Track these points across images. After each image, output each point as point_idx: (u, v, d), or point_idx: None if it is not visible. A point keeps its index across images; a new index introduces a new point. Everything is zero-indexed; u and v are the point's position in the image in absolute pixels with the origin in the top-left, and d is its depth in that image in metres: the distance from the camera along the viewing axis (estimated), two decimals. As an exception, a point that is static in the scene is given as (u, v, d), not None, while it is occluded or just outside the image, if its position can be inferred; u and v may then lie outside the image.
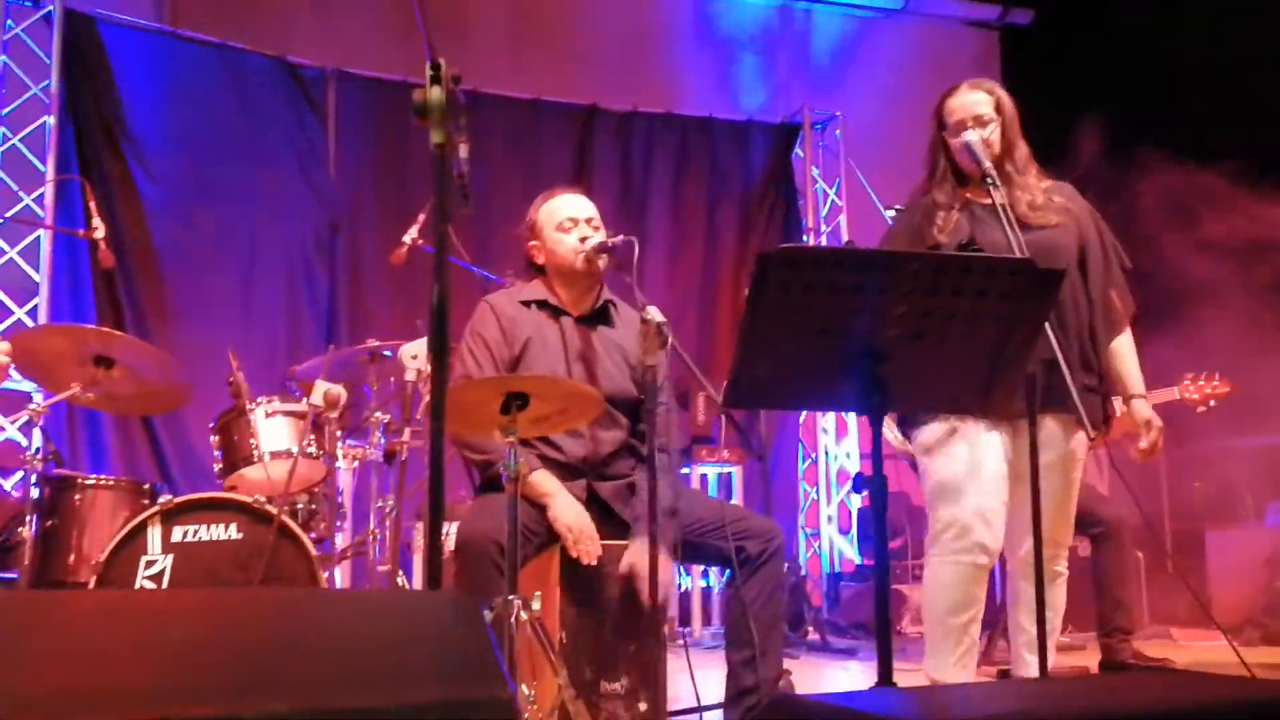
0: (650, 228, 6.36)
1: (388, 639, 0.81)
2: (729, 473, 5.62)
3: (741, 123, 6.68)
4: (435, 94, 1.62)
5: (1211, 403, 3.83)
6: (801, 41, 7.23)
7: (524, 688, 2.15)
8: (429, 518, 1.52)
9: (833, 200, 6.81)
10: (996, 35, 7.79)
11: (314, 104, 5.72)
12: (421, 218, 3.79)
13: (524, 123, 6.21)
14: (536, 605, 2.21)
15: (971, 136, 2.60)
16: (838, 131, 6.78)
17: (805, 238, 6.60)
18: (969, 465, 2.55)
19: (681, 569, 5.43)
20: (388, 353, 3.52)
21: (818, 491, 6.59)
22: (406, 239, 3.75)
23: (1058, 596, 2.69)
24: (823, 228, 6.80)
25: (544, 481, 2.62)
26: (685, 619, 5.44)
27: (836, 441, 6.61)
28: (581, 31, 6.75)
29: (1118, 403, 2.75)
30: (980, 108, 2.62)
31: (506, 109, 6.15)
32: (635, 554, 2.55)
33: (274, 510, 3.05)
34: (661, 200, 6.44)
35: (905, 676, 2.16)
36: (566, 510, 2.58)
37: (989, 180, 2.51)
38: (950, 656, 2.58)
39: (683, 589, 5.50)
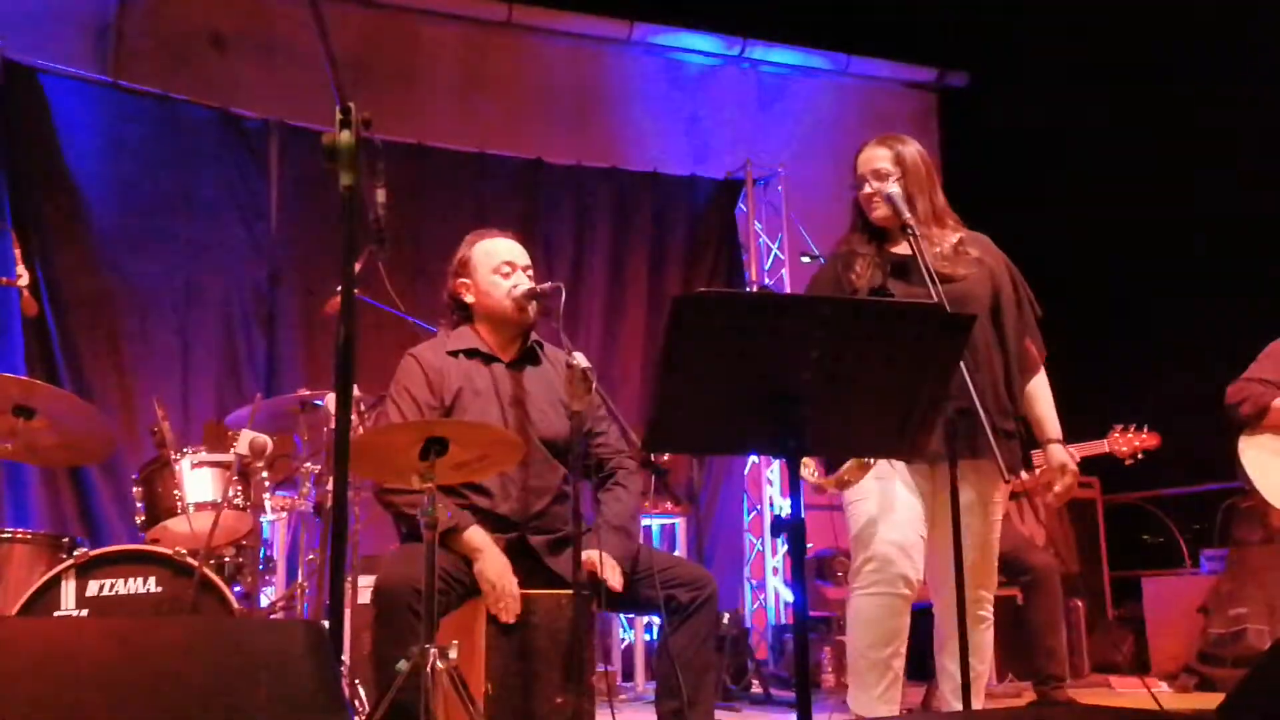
0: (594, 280, 6.39)
1: (230, 669, 0.80)
2: (672, 524, 5.60)
3: (685, 178, 6.77)
4: (345, 137, 1.63)
5: (1140, 455, 3.91)
6: (745, 99, 7.37)
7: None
8: (330, 560, 1.50)
9: (775, 254, 6.91)
10: (934, 96, 8.01)
11: (256, 155, 5.71)
12: (357, 267, 3.76)
13: (470, 175, 6.25)
14: (454, 654, 2.17)
15: (892, 189, 2.67)
16: (780, 187, 6.90)
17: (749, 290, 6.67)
18: (886, 500, 2.58)
19: (624, 621, 5.37)
20: (318, 402, 3.48)
21: (763, 543, 6.58)
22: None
23: (983, 641, 2.71)
24: (766, 280, 6.87)
25: (474, 537, 2.59)
26: (629, 673, 5.36)
27: (782, 493, 6.62)
28: (528, 86, 6.84)
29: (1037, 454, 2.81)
30: (878, 163, 2.71)
31: (453, 161, 6.19)
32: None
33: (195, 562, 2.98)
34: (605, 253, 6.48)
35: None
36: (492, 566, 2.55)
37: (908, 230, 2.57)
38: (874, 690, 2.59)
39: (625, 643, 5.44)
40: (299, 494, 3.59)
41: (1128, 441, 4.00)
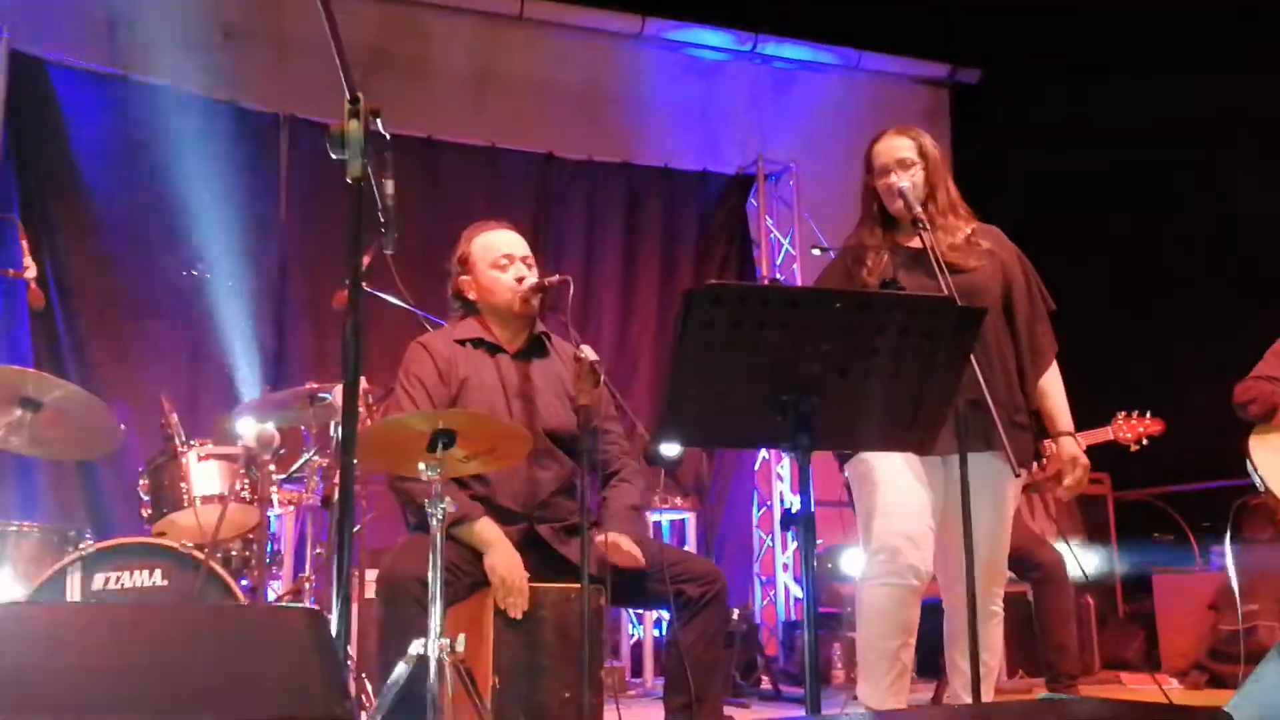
0: (606, 275, 6.38)
1: (232, 655, 0.79)
2: (682, 519, 5.59)
3: (696, 172, 6.75)
4: (353, 127, 1.61)
5: (1144, 440, 3.88)
6: (757, 94, 7.34)
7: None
8: (337, 551, 1.49)
9: (786, 249, 6.89)
10: (946, 92, 7.96)
11: (266, 148, 5.70)
12: (366, 260, 3.75)
13: (481, 169, 6.23)
14: (460, 646, 2.16)
15: (905, 182, 2.65)
16: (791, 182, 6.88)
17: (759, 285, 6.64)
18: (894, 490, 2.56)
19: (633, 616, 5.36)
20: (326, 395, 3.47)
21: (773, 539, 6.56)
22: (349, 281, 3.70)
23: (994, 636, 2.69)
24: (777, 275, 6.85)
25: (485, 530, 2.58)
26: (638, 669, 5.35)
27: (792, 489, 6.60)
28: (540, 80, 6.82)
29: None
30: (901, 152, 2.68)
31: (464, 155, 6.17)
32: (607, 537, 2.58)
33: (201, 556, 2.97)
34: (617, 249, 6.46)
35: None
36: (502, 560, 2.54)
37: (919, 224, 2.55)
38: (883, 681, 2.57)
39: (634, 638, 5.43)
40: (306, 487, 3.58)
41: (1131, 428, 3.98)
